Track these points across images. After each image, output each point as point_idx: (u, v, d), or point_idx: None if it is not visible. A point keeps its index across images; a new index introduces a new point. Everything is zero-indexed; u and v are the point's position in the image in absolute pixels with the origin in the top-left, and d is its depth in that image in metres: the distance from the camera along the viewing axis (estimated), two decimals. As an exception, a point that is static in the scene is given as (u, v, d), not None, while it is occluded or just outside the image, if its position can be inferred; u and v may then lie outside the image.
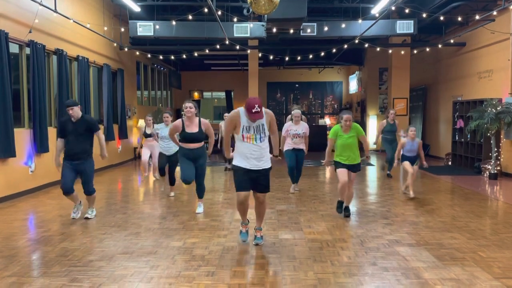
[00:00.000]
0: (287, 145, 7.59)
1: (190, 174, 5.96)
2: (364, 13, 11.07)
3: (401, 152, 7.56)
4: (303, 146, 7.60)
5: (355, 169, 5.99)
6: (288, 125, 7.57)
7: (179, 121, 6.03)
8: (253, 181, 4.47)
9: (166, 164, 7.79)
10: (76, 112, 5.69)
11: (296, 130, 7.48)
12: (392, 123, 9.52)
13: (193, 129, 5.96)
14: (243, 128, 4.35)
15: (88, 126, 5.77)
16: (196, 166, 6.05)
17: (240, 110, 4.41)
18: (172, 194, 7.70)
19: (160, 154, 7.83)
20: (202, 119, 6.10)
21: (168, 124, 7.58)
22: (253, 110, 4.17)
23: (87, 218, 5.91)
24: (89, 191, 5.91)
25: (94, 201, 6.11)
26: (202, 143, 6.10)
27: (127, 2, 10.02)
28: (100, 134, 6.00)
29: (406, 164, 7.45)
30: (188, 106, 5.94)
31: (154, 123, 9.27)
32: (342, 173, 5.92)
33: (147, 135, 9.21)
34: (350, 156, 5.89)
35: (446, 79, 13.68)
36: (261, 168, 4.44)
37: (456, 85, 12.89)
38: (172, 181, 7.74)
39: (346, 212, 6.03)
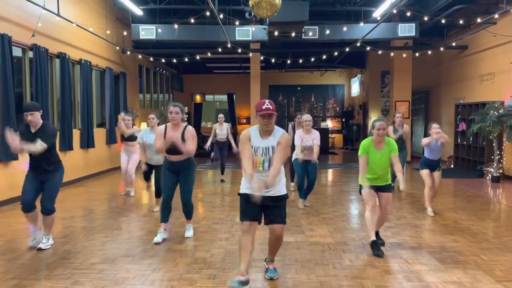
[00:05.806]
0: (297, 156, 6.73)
1: (168, 191, 4.98)
2: (366, 16, 11.09)
3: (424, 155, 6.57)
4: (311, 156, 6.59)
5: (387, 189, 4.73)
6: (300, 134, 6.60)
7: (162, 127, 4.94)
8: (263, 210, 3.69)
9: (151, 171, 6.73)
10: (36, 118, 4.57)
11: (307, 141, 6.51)
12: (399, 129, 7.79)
13: (173, 137, 4.81)
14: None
15: (44, 135, 4.54)
16: (181, 180, 4.99)
17: (251, 129, 3.78)
18: (156, 209, 6.61)
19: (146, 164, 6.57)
20: (188, 127, 4.94)
21: (154, 128, 6.30)
22: (264, 107, 3.61)
23: (40, 249, 4.73)
24: (48, 209, 4.75)
25: (52, 226, 4.92)
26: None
27: (129, 6, 10.06)
28: (43, 145, 4.47)
29: (425, 173, 6.46)
30: (174, 112, 4.81)
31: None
32: (371, 195, 4.67)
33: (127, 138, 7.74)
34: (381, 175, 4.67)
35: (448, 82, 13.68)
36: (274, 195, 3.66)
37: (458, 88, 12.89)
38: (159, 192, 6.51)
39: (380, 240, 4.76)
